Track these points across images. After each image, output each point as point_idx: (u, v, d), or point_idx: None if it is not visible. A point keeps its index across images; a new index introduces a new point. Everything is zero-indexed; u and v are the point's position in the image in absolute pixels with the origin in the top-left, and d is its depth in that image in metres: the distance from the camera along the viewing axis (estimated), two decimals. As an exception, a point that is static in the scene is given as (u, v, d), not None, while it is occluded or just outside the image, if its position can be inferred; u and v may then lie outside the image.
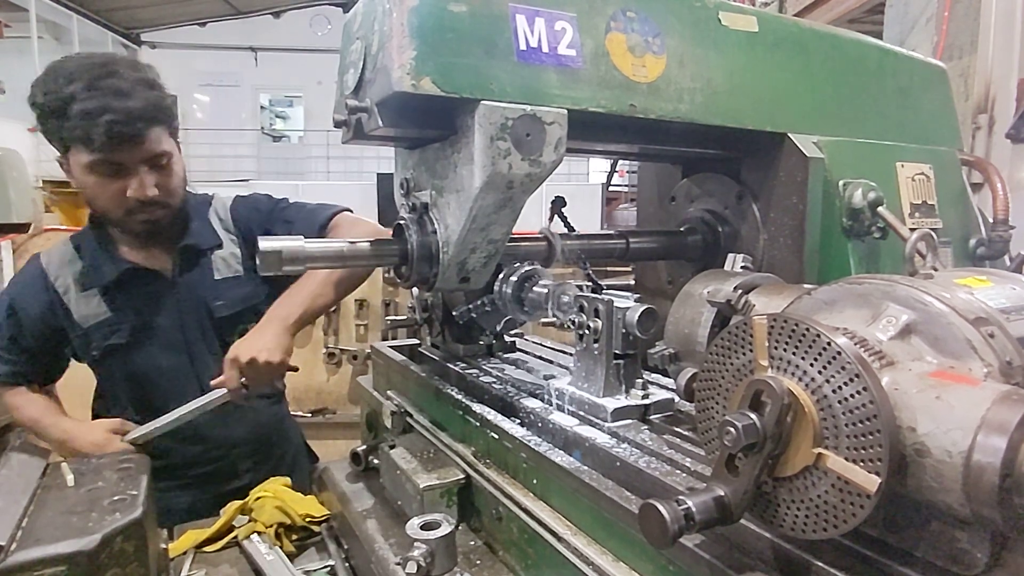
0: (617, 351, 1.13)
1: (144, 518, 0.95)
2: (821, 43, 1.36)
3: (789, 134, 1.31)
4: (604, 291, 1.39)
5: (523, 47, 1.03)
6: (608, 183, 8.45)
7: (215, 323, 1.76)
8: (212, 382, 1.58)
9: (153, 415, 1.57)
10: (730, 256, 1.11)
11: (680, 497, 0.67)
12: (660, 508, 0.65)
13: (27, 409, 1.67)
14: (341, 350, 3.48)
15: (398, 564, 1.04)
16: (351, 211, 1.87)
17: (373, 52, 1.03)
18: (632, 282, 1.79)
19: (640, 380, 1.14)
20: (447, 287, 1.21)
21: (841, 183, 1.32)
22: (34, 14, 10.37)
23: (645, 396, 1.13)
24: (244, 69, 15.95)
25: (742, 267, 1.09)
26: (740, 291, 0.95)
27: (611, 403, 1.10)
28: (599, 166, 13.65)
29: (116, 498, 0.98)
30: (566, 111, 1.05)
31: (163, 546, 1.22)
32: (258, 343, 1.57)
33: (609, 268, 3.11)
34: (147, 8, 13.79)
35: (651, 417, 1.11)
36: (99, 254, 1.64)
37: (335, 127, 1.20)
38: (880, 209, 1.27)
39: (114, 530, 0.90)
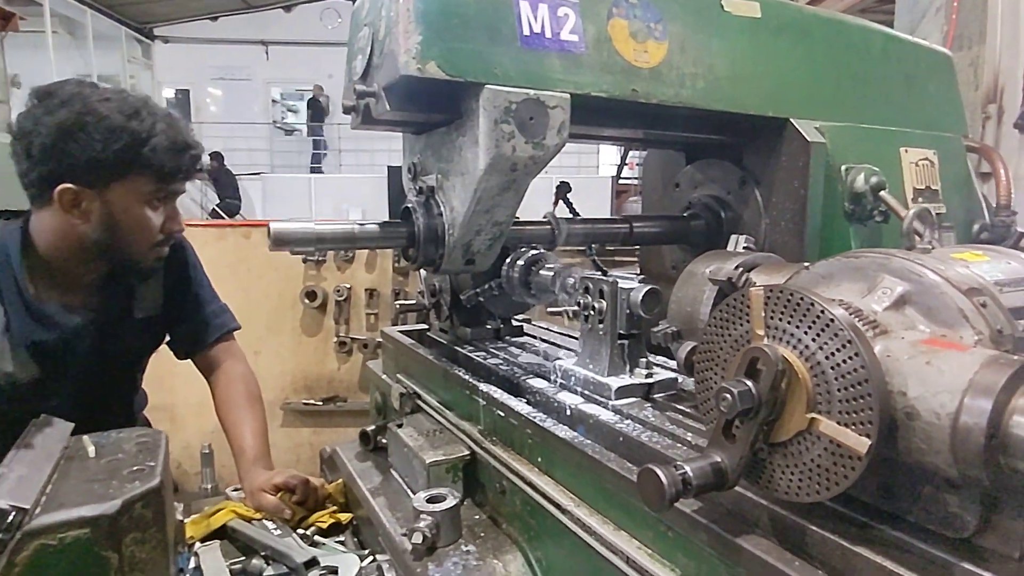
0: (621, 331, 1.14)
1: (162, 487, 0.99)
2: (825, 29, 1.37)
3: (791, 119, 1.32)
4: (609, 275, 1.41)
5: (527, 32, 1.05)
6: (618, 175, 8.43)
7: (120, 364, 1.61)
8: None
9: None
10: (733, 237, 1.13)
11: (678, 463, 0.69)
12: (658, 472, 0.67)
13: None
14: (352, 339, 3.52)
15: (404, 535, 1.07)
16: (239, 328, 1.83)
17: (380, 38, 1.06)
18: (637, 270, 1.81)
19: (644, 360, 1.16)
20: (453, 268, 1.24)
21: (843, 168, 1.33)
22: (48, 9, 10.48)
23: (649, 375, 1.15)
24: (255, 63, 16.03)
25: (744, 248, 1.10)
26: (741, 269, 0.96)
27: (615, 382, 1.12)
28: (609, 158, 13.64)
29: (135, 468, 1.02)
30: (569, 95, 1.07)
31: (179, 518, 1.26)
32: (277, 473, 1.49)
33: (616, 257, 3.14)
34: (160, 2, 13.88)
35: (654, 396, 1.13)
36: (21, 300, 1.38)
37: (344, 113, 1.22)
38: (882, 193, 1.28)
39: (134, 496, 0.93)
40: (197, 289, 1.73)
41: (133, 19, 14.35)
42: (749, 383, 0.65)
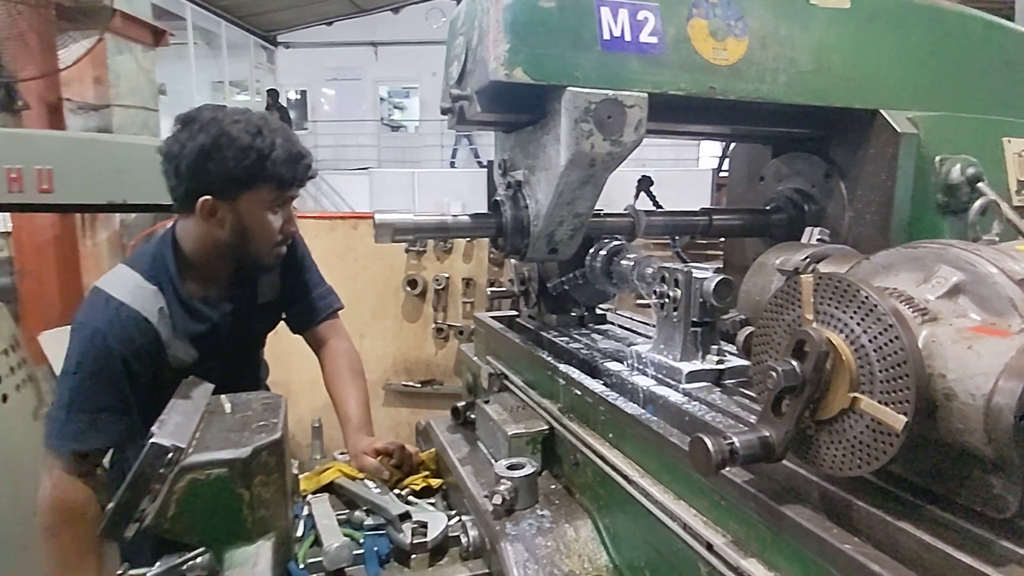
0: (695, 319, 1.20)
1: (282, 440, 1.16)
2: (920, 17, 1.33)
3: (881, 110, 1.31)
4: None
5: (607, 37, 1.12)
6: (719, 167, 8.21)
7: (249, 343, 1.86)
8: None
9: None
10: (808, 229, 1.15)
11: (727, 434, 0.75)
12: (706, 441, 0.74)
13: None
14: (449, 325, 3.71)
15: (486, 497, 1.19)
16: (343, 308, 2.04)
17: (473, 46, 1.17)
18: (722, 263, 1.83)
19: (716, 347, 1.21)
20: (538, 257, 1.33)
21: (937, 159, 1.30)
22: (190, 23, 11.64)
23: (720, 362, 1.19)
24: (365, 63, 16.93)
25: (818, 240, 1.12)
26: (809, 260, 0.99)
27: (686, 366, 1.17)
28: (710, 151, 13.22)
29: (262, 423, 1.20)
30: (646, 95, 1.13)
31: (295, 472, 1.45)
32: (377, 439, 1.68)
33: (708, 251, 3.11)
34: (283, 11, 15.01)
35: (725, 381, 1.18)
36: (179, 301, 1.60)
37: (442, 114, 1.35)
38: (980, 185, 1.24)
39: (261, 445, 1.11)
40: (307, 276, 1.96)
41: (259, 28, 15.59)
42: (794, 363, 0.71)
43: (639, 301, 1.69)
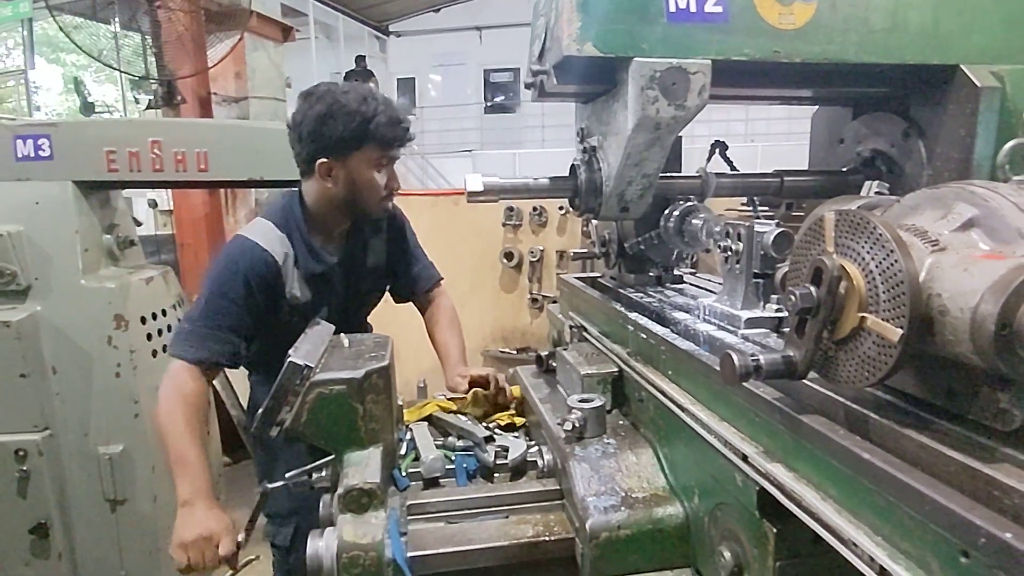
0: (756, 270, 1.29)
1: (390, 367, 1.39)
2: (1007, -33, 1.31)
3: (962, 65, 1.31)
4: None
5: (672, 9, 1.23)
6: (835, 140, 7.74)
7: (357, 299, 2.07)
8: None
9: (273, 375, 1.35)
10: (866, 183, 1.21)
11: (754, 352, 0.87)
12: (733, 356, 0.86)
13: (185, 432, 1.59)
14: (543, 296, 3.90)
15: (559, 424, 1.36)
16: (442, 279, 2.26)
17: (551, 26, 1.31)
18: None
19: (777, 296, 1.29)
20: (610, 215, 1.47)
21: (1025, 113, 1.29)
22: (312, 18, 12.51)
23: (779, 311, 1.28)
24: (469, 47, 17.32)
25: (875, 193, 1.18)
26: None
27: (746, 314, 1.27)
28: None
29: (373, 355, 1.43)
30: (710, 61, 1.22)
31: (400, 404, 1.69)
32: (472, 368, 1.93)
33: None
34: (394, 2, 15.69)
35: (784, 329, 1.26)
36: (304, 244, 1.85)
37: (525, 88, 1.51)
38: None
39: (372, 369, 1.34)
40: (410, 248, 2.22)
41: (372, 19, 16.40)
42: (811, 287, 0.81)
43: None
